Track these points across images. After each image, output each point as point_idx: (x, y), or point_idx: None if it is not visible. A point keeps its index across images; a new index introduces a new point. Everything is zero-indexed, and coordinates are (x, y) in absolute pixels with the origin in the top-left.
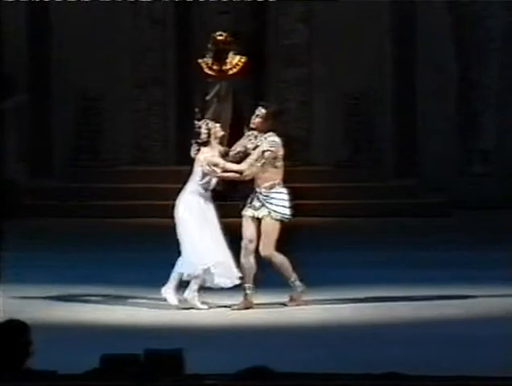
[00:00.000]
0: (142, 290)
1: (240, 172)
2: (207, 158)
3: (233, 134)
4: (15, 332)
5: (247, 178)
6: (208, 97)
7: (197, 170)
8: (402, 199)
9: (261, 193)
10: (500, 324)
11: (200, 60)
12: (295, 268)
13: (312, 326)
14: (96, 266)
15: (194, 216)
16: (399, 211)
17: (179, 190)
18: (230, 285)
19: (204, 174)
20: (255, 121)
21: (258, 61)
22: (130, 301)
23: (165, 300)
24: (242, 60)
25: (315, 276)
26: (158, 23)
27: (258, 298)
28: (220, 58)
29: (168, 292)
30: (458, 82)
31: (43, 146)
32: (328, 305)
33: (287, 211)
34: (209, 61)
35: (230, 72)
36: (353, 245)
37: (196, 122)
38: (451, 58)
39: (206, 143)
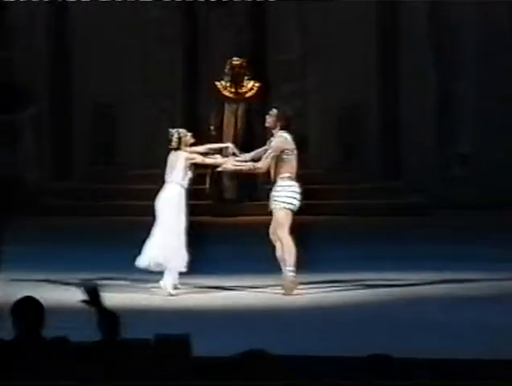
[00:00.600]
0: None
1: (255, 166)
2: (186, 155)
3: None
4: (32, 306)
5: (261, 170)
6: (224, 116)
7: (178, 170)
8: (388, 200)
9: (274, 185)
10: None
11: (217, 83)
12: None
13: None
14: (108, 257)
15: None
16: (385, 211)
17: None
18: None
19: (185, 173)
20: (269, 120)
21: (267, 85)
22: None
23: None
24: (256, 85)
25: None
26: (167, 40)
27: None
28: (236, 81)
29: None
30: (438, 90)
31: (64, 151)
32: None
33: (293, 202)
34: (227, 84)
35: (246, 95)
36: (342, 240)
37: (170, 130)
38: (431, 68)
39: (177, 149)
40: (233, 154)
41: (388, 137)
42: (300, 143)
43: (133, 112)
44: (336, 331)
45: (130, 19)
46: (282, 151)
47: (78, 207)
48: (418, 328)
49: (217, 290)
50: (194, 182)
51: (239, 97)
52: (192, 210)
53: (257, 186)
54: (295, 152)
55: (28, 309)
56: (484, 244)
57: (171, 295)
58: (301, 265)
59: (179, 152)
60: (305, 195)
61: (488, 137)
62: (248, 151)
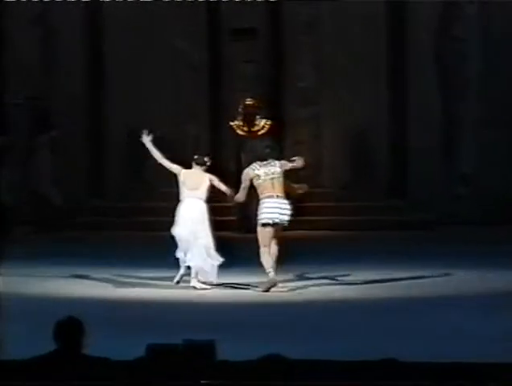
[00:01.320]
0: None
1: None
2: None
3: None
4: (73, 327)
5: (240, 200)
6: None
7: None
8: (394, 216)
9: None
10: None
11: (231, 123)
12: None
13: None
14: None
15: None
16: (390, 226)
17: None
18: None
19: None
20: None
21: (280, 123)
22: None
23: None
24: (268, 123)
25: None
26: (194, 69)
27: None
28: (249, 120)
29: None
30: (441, 113)
31: (96, 170)
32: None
33: (263, 216)
34: (240, 123)
35: (259, 133)
36: (351, 253)
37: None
38: (436, 91)
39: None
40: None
41: (395, 158)
42: (315, 164)
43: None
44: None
45: (160, 49)
46: (251, 179)
47: (109, 223)
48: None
49: None
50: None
51: (252, 135)
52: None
53: None
54: (268, 176)
55: (69, 329)
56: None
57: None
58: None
59: (204, 173)
60: (319, 211)
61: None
62: None
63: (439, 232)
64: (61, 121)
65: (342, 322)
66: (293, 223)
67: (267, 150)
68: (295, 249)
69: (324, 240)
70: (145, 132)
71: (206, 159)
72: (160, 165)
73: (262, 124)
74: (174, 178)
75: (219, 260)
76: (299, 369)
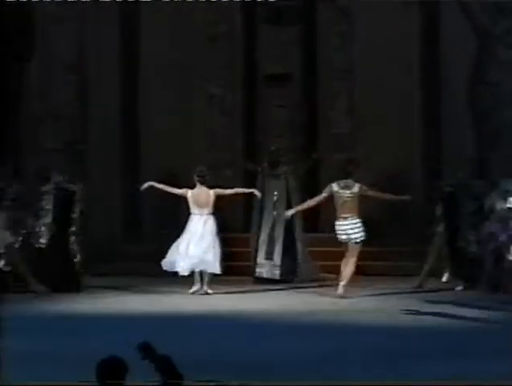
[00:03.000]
0: None
1: None
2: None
3: None
4: (117, 368)
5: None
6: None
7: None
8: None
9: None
10: None
11: (259, 168)
12: None
13: None
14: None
15: None
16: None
17: None
18: None
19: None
20: None
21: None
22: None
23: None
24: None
25: None
26: (227, 113)
27: None
28: (272, 166)
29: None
30: (475, 159)
31: (132, 215)
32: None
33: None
34: (265, 167)
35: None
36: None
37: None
38: (470, 143)
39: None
40: None
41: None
42: None
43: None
44: None
45: (194, 93)
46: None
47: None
48: None
49: None
50: None
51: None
52: None
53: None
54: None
55: (112, 369)
56: None
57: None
58: None
59: (208, 189)
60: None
61: None
62: None
63: None
64: (98, 168)
65: None
66: None
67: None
68: None
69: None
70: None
71: (205, 174)
72: None
73: (284, 169)
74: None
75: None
76: None
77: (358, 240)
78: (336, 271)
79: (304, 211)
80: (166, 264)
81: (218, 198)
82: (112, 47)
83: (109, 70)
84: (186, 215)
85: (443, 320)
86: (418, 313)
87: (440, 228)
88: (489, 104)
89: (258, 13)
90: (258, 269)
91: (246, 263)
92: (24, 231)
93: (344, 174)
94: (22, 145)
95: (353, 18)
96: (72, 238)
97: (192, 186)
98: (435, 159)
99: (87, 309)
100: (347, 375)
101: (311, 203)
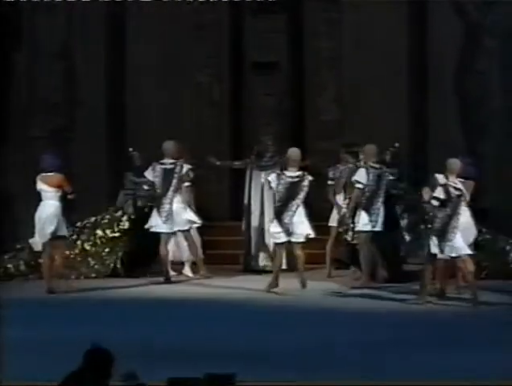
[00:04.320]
0: None
1: None
2: None
3: None
4: (103, 358)
5: None
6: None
7: None
8: None
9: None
10: None
11: (247, 159)
12: None
13: None
14: None
15: None
16: None
17: None
18: None
19: None
20: None
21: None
22: None
23: None
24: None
25: None
26: (215, 102)
27: None
28: (262, 156)
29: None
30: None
31: None
32: None
33: None
34: (253, 159)
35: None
36: None
37: None
38: (458, 134)
39: None
40: None
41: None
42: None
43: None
44: None
45: (181, 82)
46: None
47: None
48: None
49: None
50: None
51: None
52: None
53: None
54: None
55: (98, 359)
56: None
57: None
58: None
59: None
60: None
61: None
62: None
63: None
64: (83, 155)
65: None
66: None
67: None
68: None
69: None
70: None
71: None
72: None
73: (274, 161)
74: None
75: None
76: None
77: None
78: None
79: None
80: None
81: None
82: (98, 35)
83: (95, 58)
84: None
85: None
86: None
87: None
88: (477, 94)
89: (245, 1)
90: (253, 262)
91: (232, 251)
92: None
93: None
94: (10, 134)
95: (340, 6)
96: None
97: None
98: (422, 147)
99: None
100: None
101: None
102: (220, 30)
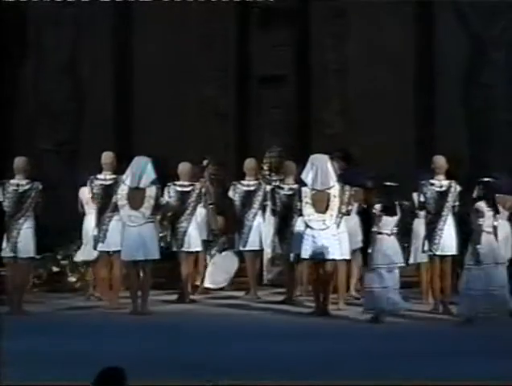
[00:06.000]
0: None
1: None
2: None
3: None
4: (117, 377)
5: None
6: None
7: None
8: None
9: None
10: None
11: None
12: None
13: None
14: None
15: None
16: None
17: None
18: None
19: None
20: None
21: None
22: None
23: None
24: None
25: None
26: (221, 116)
27: None
28: (271, 168)
29: None
30: (471, 165)
31: None
32: None
33: None
34: (265, 171)
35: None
36: None
37: None
38: (463, 143)
39: None
40: None
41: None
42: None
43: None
44: None
45: (189, 98)
46: None
47: None
48: None
49: None
50: None
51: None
52: None
53: None
54: None
55: (111, 380)
56: None
57: None
58: None
59: None
60: None
61: None
62: None
63: None
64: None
65: None
66: None
67: None
68: None
69: None
70: None
71: None
72: None
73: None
74: None
75: None
76: None
77: None
78: None
79: None
80: None
81: None
82: (105, 47)
83: (102, 71)
84: None
85: None
86: None
87: None
88: (482, 105)
89: (252, 15)
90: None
91: None
92: None
93: None
94: (16, 145)
95: (346, 19)
96: None
97: None
98: (428, 160)
99: None
100: None
101: None
102: (227, 43)
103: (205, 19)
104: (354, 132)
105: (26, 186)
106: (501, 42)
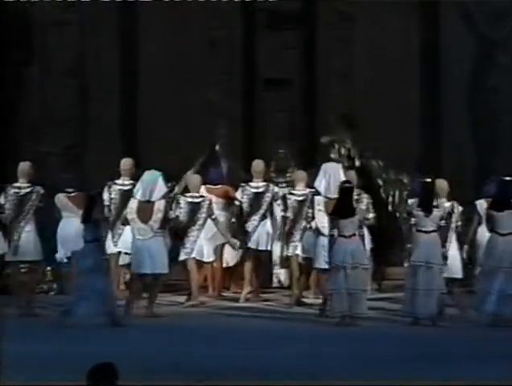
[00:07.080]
0: None
1: None
2: None
3: None
4: (108, 373)
5: None
6: None
7: None
8: None
9: None
10: None
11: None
12: None
13: None
14: None
15: None
16: None
17: None
18: None
19: None
20: None
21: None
22: None
23: None
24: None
25: None
26: (227, 118)
27: None
28: (279, 169)
29: None
30: (477, 168)
31: None
32: None
33: None
34: (272, 173)
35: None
36: None
37: None
38: (471, 144)
39: None
40: None
41: None
42: None
43: None
44: None
45: (195, 101)
46: None
47: None
48: None
49: None
50: None
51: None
52: None
53: None
54: None
55: (103, 375)
56: None
57: None
58: None
59: None
60: None
61: None
62: None
63: None
64: (95, 171)
65: None
66: None
67: None
68: None
69: None
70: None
71: None
72: None
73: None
74: None
75: None
76: None
77: None
78: None
79: None
80: None
81: None
82: (111, 51)
83: (108, 75)
84: None
85: None
86: None
87: None
88: (488, 110)
89: (258, 17)
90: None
91: None
92: None
93: None
94: (21, 150)
95: (352, 22)
96: None
97: None
98: (434, 163)
99: None
100: None
101: None
102: (233, 46)
103: (212, 22)
104: (359, 135)
105: (28, 190)
106: (508, 45)
